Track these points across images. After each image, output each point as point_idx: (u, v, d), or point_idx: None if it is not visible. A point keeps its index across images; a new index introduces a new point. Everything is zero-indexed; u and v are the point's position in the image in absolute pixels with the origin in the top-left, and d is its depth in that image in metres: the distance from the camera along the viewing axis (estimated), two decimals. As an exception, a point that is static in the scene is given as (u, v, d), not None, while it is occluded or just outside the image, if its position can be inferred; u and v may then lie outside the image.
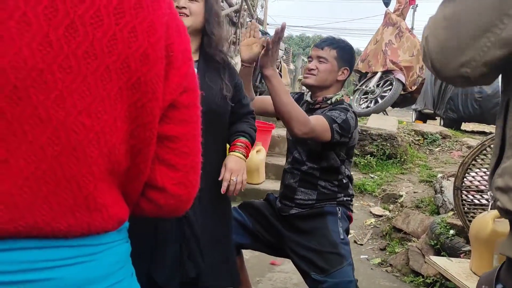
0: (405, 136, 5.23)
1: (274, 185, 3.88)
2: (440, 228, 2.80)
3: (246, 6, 7.75)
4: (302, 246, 1.88)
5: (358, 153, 4.76)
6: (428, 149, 5.28)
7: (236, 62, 2.09)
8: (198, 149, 0.74)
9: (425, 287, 2.79)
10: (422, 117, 8.29)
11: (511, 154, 0.70)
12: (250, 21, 3.77)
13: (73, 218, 0.61)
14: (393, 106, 7.04)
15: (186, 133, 0.71)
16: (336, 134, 1.76)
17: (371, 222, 3.79)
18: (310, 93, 2.01)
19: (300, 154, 1.94)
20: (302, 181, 1.93)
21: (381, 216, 3.85)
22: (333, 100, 1.92)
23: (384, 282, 2.91)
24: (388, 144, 4.80)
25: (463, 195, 2.41)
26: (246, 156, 1.63)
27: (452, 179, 2.80)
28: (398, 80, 6.31)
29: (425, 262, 2.50)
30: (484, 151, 2.32)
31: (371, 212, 3.95)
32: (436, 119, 8.32)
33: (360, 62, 6.92)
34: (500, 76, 0.75)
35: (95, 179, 0.63)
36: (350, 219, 1.99)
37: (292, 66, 11.71)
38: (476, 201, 2.41)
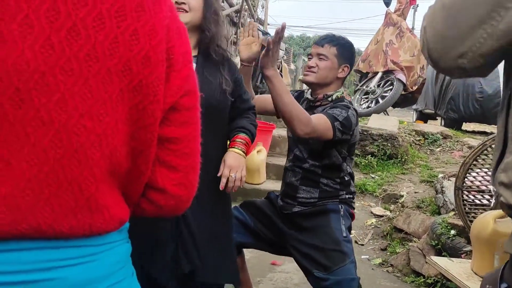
0: (406, 136, 5.22)
1: (275, 185, 3.88)
2: (441, 228, 2.80)
3: (246, 6, 7.75)
4: (305, 244, 1.88)
5: (359, 153, 4.76)
6: (429, 149, 5.27)
7: (237, 62, 2.09)
8: (198, 150, 0.75)
9: (426, 287, 2.79)
10: (423, 117, 8.28)
11: None
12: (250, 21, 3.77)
13: (75, 219, 0.62)
14: (394, 106, 7.04)
15: (187, 134, 0.72)
16: (338, 132, 1.76)
17: (372, 222, 3.79)
18: (310, 90, 2.01)
19: (301, 152, 1.94)
20: (304, 179, 1.93)
21: (382, 216, 3.85)
22: (334, 97, 1.92)
23: (385, 283, 2.91)
24: (389, 144, 4.80)
25: (464, 195, 2.41)
26: (246, 153, 1.62)
27: (453, 179, 2.79)
28: (399, 80, 6.31)
29: (426, 262, 2.50)
30: (485, 151, 2.32)
31: (372, 212, 3.95)
32: (437, 119, 8.32)
33: (361, 62, 6.92)
34: (501, 73, 0.74)
35: (96, 180, 0.63)
36: (352, 216, 1.99)
37: (292, 66, 11.70)
38: (477, 201, 2.41)
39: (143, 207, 0.75)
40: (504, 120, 0.74)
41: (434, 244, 2.81)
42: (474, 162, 2.36)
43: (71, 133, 0.60)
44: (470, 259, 1.99)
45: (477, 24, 0.65)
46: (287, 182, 1.99)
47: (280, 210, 2.00)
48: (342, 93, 1.96)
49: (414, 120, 8.32)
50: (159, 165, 0.71)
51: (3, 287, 0.57)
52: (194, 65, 1.35)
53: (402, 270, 3.06)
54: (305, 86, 2.48)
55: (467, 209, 2.40)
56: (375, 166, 4.71)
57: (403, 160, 4.77)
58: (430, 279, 2.76)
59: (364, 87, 6.69)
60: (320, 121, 1.73)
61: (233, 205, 1.77)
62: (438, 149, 5.25)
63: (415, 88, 6.61)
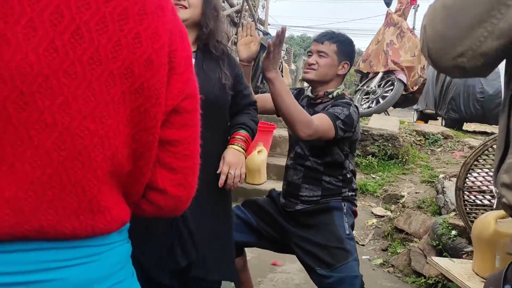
0: (406, 136, 5.22)
1: (276, 186, 3.86)
2: (442, 229, 2.79)
3: (247, 7, 7.75)
4: (308, 241, 1.87)
5: (359, 154, 4.75)
6: (430, 149, 5.27)
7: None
8: (197, 151, 0.76)
9: None
10: (424, 117, 8.29)
11: None
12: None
13: (78, 221, 0.62)
14: (395, 106, 7.04)
15: (187, 136, 0.73)
16: (340, 131, 1.76)
17: (373, 223, 3.79)
18: (310, 88, 2.00)
19: (303, 150, 1.93)
20: (306, 177, 1.92)
21: (382, 216, 3.85)
22: (334, 94, 1.91)
23: (386, 283, 2.91)
24: (389, 145, 4.80)
25: (465, 196, 2.41)
26: (246, 150, 1.61)
27: (454, 179, 2.79)
28: (400, 80, 6.31)
29: (427, 262, 2.50)
30: (486, 152, 2.32)
31: (372, 213, 3.95)
32: (437, 119, 8.32)
33: (362, 62, 6.92)
34: (502, 74, 0.74)
35: (99, 182, 0.64)
36: (355, 214, 1.98)
37: (293, 66, 11.70)
38: (478, 202, 2.40)
39: (143, 208, 0.75)
40: (505, 120, 0.73)
41: (435, 244, 2.81)
42: (475, 163, 2.36)
43: (74, 135, 0.60)
44: (471, 259, 1.99)
45: (477, 23, 0.65)
46: (289, 180, 1.98)
47: (282, 207, 1.99)
48: (343, 90, 1.95)
49: (415, 120, 8.32)
50: (160, 167, 0.72)
51: (7, 288, 0.58)
52: (193, 60, 1.35)
53: (403, 270, 3.05)
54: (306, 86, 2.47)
55: (468, 209, 2.40)
56: (376, 166, 4.71)
57: (403, 160, 4.77)
58: (431, 280, 2.76)
59: (365, 87, 6.69)
60: (322, 122, 1.73)
61: (234, 205, 1.77)
62: (439, 149, 5.25)
63: (415, 88, 6.61)
